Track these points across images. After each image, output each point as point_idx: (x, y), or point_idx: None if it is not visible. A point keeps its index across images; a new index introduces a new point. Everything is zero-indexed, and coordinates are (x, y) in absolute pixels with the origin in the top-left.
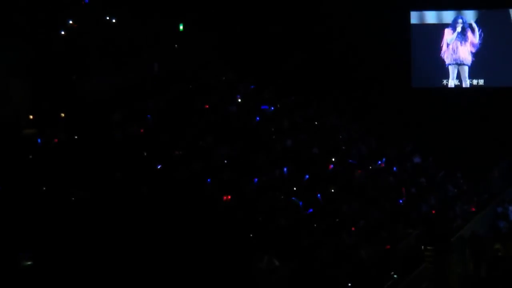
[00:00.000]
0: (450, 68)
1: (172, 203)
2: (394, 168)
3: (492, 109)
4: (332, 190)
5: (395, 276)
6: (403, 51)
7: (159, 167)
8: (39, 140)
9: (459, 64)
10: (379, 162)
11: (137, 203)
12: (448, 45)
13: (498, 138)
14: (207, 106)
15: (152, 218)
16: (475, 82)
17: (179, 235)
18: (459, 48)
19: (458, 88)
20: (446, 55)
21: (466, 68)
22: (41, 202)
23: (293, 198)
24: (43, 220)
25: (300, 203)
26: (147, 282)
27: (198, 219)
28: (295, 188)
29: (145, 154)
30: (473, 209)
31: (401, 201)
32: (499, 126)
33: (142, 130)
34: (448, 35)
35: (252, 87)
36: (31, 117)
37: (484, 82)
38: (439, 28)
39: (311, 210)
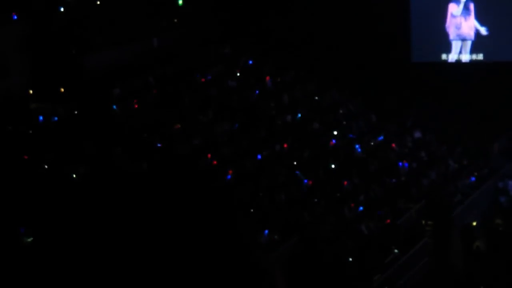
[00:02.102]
0: (454, 43)
1: (172, 179)
2: (394, 144)
3: (492, 83)
4: (333, 166)
5: (396, 250)
6: (403, 26)
7: (159, 145)
8: (40, 118)
9: (463, 39)
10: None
11: (137, 179)
12: (452, 20)
13: (498, 113)
14: (204, 80)
15: (152, 193)
16: (474, 56)
17: (179, 211)
18: (462, 24)
19: (458, 62)
20: (450, 31)
21: (468, 43)
22: (42, 177)
23: (297, 172)
24: (44, 196)
25: (305, 181)
26: (147, 255)
27: (198, 195)
28: (295, 163)
29: (145, 129)
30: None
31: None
32: (500, 101)
33: (141, 105)
34: (453, 10)
35: (251, 62)
36: (31, 91)
37: (483, 57)
38: (440, 2)
39: (306, 182)
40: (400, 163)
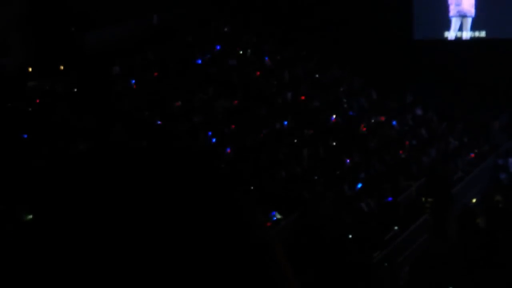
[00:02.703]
0: (453, 20)
1: (171, 156)
2: (394, 122)
3: (493, 61)
4: (334, 143)
5: (395, 228)
6: (406, 3)
7: (159, 122)
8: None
9: (463, 16)
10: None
11: (137, 156)
12: None
13: (499, 90)
14: (203, 58)
15: (152, 169)
16: (476, 34)
17: (178, 187)
18: (463, 0)
19: (459, 40)
20: (451, 7)
21: (469, 20)
22: (41, 154)
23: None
24: (43, 174)
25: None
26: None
27: (197, 172)
28: (296, 141)
29: (145, 107)
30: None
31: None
32: (500, 78)
33: (141, 82)
34: None
35: (251, 40)
36: (30, 69)
37: (485, 34)
38: None
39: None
40: (401, 141)
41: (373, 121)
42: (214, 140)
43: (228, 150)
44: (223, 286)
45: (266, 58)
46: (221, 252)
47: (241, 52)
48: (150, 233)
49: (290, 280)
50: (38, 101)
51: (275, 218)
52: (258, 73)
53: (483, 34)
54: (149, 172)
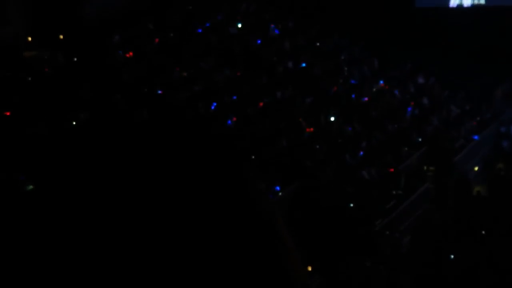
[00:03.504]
0: None
1: (173, 125)
2: (396, 91)
3: (494, 28)
4: (335, 112)
5: (399, 192)
6: None
7: (159, 92)
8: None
9: None
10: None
11: (137, 127)
12: None
13: (502, 58)
14: (204, 26)
15: (153, 139)
16: (475, 1)
17: (179, 157)
18: None
19: (461, 7)
20: None
21: None
22: (40, 123)
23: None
24: (42, 143)
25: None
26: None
27: (198, 141)
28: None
29: (145, 76)
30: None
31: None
32: (503, 46)
33: (141, 52)
34: None
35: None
36: (29, 38)
37: (485, 1)
38: None
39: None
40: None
41: (374, 89)
42: (214, 106)
43: (230, 120)
44: (225, 258)
45: (273, 26)
46: (222, 224)
47: (240, 25)
48: (153, 204)
49: (291, 251)
50: (38, 70)
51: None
52: (259, 42)
53: (482, 1)
54: (151, 142)
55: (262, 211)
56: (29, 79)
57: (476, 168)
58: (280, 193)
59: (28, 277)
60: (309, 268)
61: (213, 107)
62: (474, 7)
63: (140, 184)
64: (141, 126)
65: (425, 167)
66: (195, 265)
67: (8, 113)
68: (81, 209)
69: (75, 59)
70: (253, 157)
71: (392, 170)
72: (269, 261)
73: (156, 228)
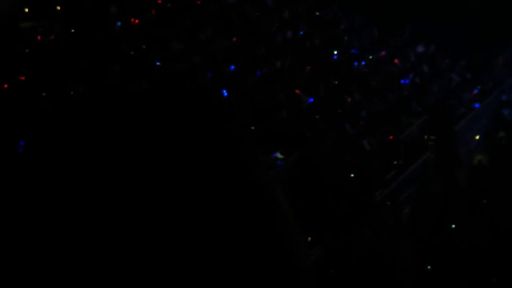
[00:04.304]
0: None
1: (172, 96)
2: (396, 60)
3: None
4: (336, 82)
5: (397, 164)
6: None
7: (158, 63)
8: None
9: None
10: None
11: (136, 99)
12: None
13: (503, 26)
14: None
15: (152, 111)
16: None
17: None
18: None
19: None
20: None
21: None
22: (38, 94)
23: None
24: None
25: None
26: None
27: (196, 112)
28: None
29: (144, 47)
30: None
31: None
32: (504, 14)
33: (139, 23)
34: None
35: None
36: (26, 10)
37: None
38: None
39: (311, 100)
40: (402, 80)
41: (371, 57)
42: (210, 75)
43: (229, 90)
44: (222, 229)
45: None
46: (218, 192)
47: None
48: (152, 175)
49: (290, 220)
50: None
51: (277, 157)
52: (258, 13)
53: None
54: (149, 113)
55: (261, 182)
56: (27, 50)
57: (477, 137)
58: (280, 164)
59: (20, 268)
60: (309, 239)
61: (212, 78)
62: None
63: (140, 154)
64: (140, 97)
65: (425, 137)
66: (192, 235)
67: (5, 86)
68: (79, 183)
69: (72, 30)
70: (252, 127)
71: (391, 137)
72: (268, 232)
73: (154, 196)
